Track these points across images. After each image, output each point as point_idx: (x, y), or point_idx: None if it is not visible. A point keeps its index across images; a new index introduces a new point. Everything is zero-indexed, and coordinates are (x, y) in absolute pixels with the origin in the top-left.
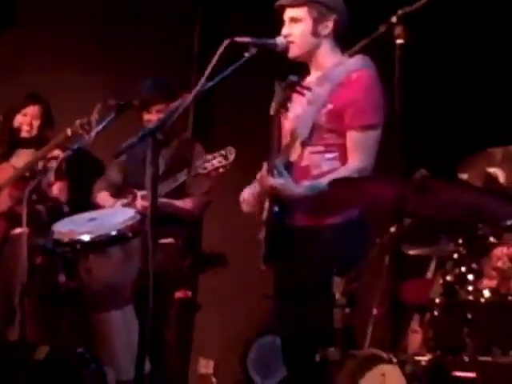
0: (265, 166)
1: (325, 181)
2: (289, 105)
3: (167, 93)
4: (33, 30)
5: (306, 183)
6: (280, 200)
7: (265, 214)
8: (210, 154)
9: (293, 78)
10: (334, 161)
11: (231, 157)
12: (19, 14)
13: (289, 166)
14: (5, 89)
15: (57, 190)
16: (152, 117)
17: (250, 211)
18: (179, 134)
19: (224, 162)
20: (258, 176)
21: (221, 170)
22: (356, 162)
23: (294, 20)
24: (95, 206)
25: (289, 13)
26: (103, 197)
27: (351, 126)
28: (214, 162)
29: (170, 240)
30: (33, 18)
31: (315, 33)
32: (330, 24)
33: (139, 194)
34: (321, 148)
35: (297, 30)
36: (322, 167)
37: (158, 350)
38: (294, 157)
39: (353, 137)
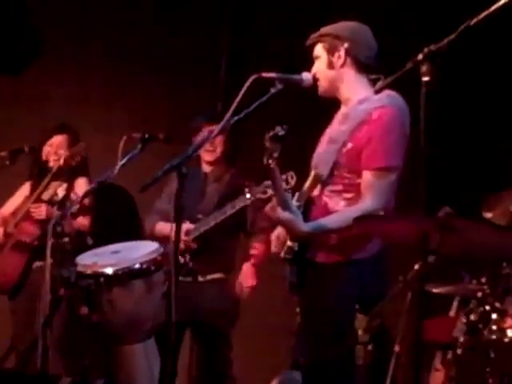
0: (274, 198)
1: (330, 220)
2: (275, 155)
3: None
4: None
5: (312, 222)
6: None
7: (284, 252)
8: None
9: (278, 129)
10: (352, 201)
11: (292, 182)
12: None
13: (309, 202)
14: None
15: (80, 222)
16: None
17: (277, 251)
18: (230, 168)
19: (284, 187)
20: (268, 207)
21: None
22: (366, 204)
23: (316, 58)
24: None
25: (314, 52)
26: (162, 226)
27: (366, 167)
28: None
29: (219, 275)
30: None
31: (330, 65)
32: (342, 53)
33: (184, 227)
34: (340, 187)
35: (317, 66)
36: (339, 206)
37: None
38: (315, 193)
39: (367, 178)
